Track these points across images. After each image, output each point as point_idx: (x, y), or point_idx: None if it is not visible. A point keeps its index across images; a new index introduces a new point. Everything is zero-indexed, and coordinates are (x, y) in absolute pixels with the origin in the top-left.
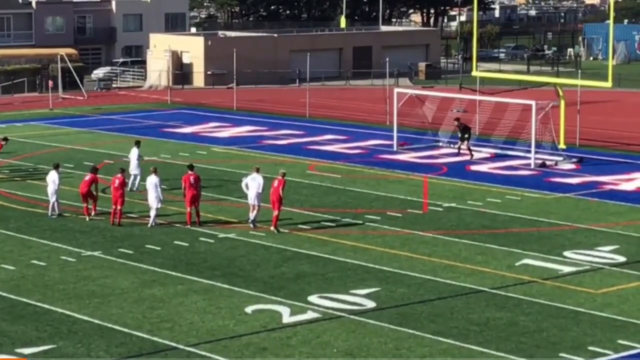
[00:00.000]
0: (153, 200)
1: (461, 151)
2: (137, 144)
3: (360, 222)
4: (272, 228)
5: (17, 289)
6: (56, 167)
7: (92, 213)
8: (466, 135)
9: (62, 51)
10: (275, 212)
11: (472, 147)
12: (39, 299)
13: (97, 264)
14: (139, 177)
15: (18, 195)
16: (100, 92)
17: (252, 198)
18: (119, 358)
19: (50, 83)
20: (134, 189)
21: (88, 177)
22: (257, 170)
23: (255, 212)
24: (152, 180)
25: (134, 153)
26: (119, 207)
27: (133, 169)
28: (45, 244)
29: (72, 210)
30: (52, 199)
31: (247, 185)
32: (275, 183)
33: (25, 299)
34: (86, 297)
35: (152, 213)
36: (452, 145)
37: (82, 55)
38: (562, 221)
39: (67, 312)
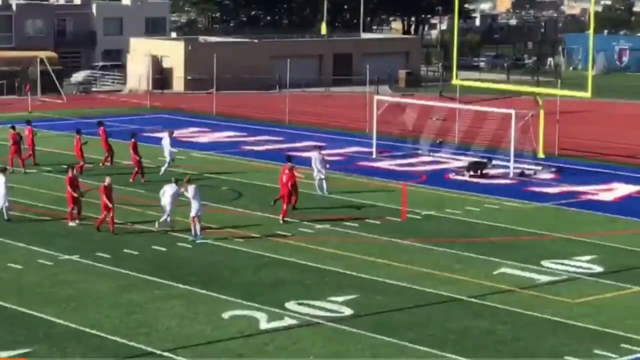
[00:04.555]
0: (168, 204)
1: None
2: (171, 133)
3: (339, 229)
4: (280, 218)
5: None
6: (2, 170)
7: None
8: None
9: (42, 54)
10: (285, 206)
11: (453, 157)
12: (15, 302)
13: (74, 268)
14: (166, 165)
15: None
16: (79, 95)
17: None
18: None
19: (27, 87)
20: (161, 173)
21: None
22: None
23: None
24: (172, 189)
25: (166, 141)
26: (110, 215)
27: (166, 155)
28: (22, 247)
29: (51, 215)
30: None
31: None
32: (284, 179)
33: (1, 302)
34: (63, 301)
35: (163, 217)
36: (431, 154)
37: (61, 59)
38: (540, 230)
39: (44, 316)
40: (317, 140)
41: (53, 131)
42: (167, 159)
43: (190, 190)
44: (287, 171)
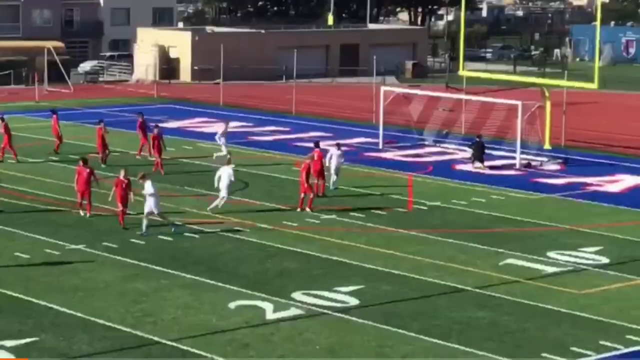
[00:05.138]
0: (224, 188)
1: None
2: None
3: (345, 219)
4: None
5: (0, 282)
6: None
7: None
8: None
9: (49, 44)
10: (311, 195)
11: (460, 148)
12: (22, 292)
13: (81, 258)
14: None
15: (2, 187)
16: (86, 85)
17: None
18: (101, 351)
19: (36, 76)
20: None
21: (86, 172)
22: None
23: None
24: (226, 170)
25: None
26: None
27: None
28: (29, 236)
29: (57, 204)
30: None
31: (219, 178)
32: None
33: (9, 292)
34: (69, 291)
35: (218, 200)
36: (437, 144)
37: (69, 49)
38: (546, 222)
39: (50, 305)
40: (323, 131)
41: (61, 121)
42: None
43: (146, 187)
44: (315, 157)
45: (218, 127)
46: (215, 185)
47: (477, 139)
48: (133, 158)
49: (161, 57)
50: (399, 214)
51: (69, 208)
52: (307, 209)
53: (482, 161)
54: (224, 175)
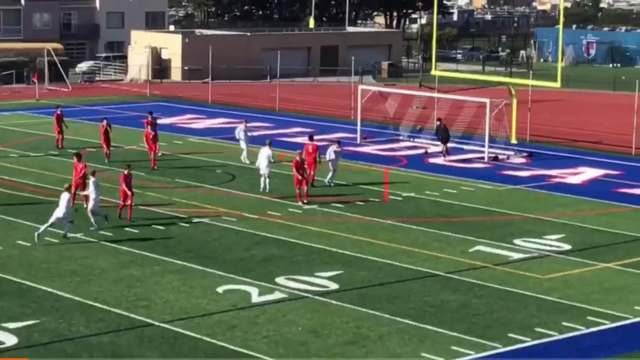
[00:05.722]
0: (265, 167)
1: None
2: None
3: (325, 209)
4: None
5: (3, 268)
6: None
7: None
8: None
9: (49, 46)
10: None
11: (430, 142)
12: (24, 277)
13: (79, 245)
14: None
15: (5, 179)
16: (83, 84)
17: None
18: (98, 332)
19: (35, 76)
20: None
21: (80, 166)
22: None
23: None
24: (265, 152)
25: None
26: (128, 202)
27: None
28: (31, 225)
29: (57, 195)
30: None
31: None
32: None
33: (11, 277)
34: (68, 276)
35: (262, 179)
36: (412, 139)
37: (67, 50)
38: (513, 211)
39: (50, 290)
40: (305, 126)
41: None
42: (244, 147)
43: (90, 184)
44: (310, 149)
45: (239, 125)
46: (256, 165)
47: (438, 123)
48: (131, 152)
49: (153, 58)
50: (375, 204)
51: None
52: (305, 201)
53: (446, 142)
54: (263, 156)
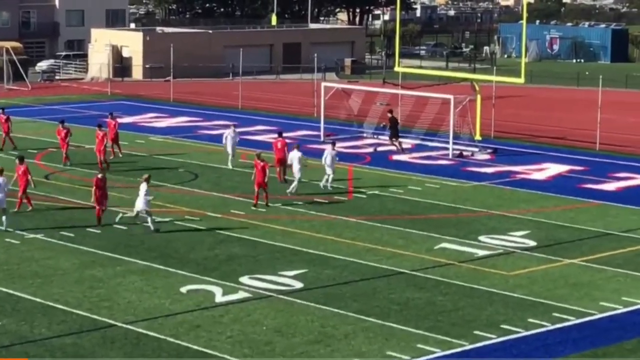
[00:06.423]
0: (297, 171)
1: (394, 144)
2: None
3: (289, 207)
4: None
5: None
6: None
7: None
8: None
9: (8, 44)
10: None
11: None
12: None
13: (39, 246)
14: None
15: None
16: (43, 83)
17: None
18: (60, 334)
19: None
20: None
21: (22, 169)
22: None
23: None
24: (296, 155)
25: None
26: (103, 208)
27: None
28: None
29: (13, 196)
30: None
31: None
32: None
33: None
34: (29, 277)
35: (294, 183)
36: (375, 136)
37: (26, 49)
38: (478, 208)
39: (11, 292)
40: (268, 125)
41: (18, 117)
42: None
43: (292, 154)
44: (279, 145)
45: (225, 132)
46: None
47: (390, 115)
48: (90, 152)
49: (114, 56)
50: (339, 202)
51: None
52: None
53: (397, 137)
54: (295, 159)
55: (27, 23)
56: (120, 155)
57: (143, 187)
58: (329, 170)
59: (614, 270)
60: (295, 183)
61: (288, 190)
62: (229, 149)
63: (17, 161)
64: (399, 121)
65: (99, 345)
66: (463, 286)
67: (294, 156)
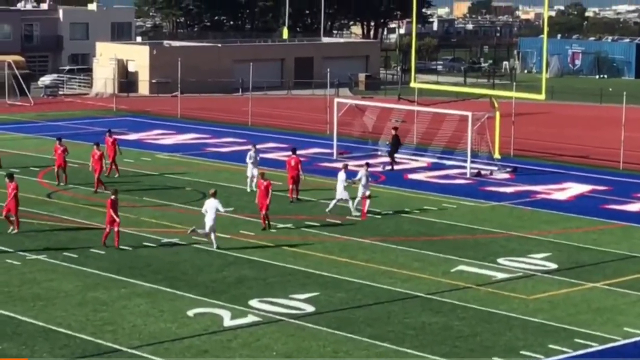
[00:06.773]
0: (341, 191)
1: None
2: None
3: (301, 228)
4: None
5: None
6: None
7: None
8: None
9: (10, 58)
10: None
11: (412, 158)
12: None
13: (41, 267)
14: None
15: None
16: (46, 98)
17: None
18: (63, 359)
19: None
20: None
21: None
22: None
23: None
24: (341, 177)
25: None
26: (115, 229)
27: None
28: None
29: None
30: None
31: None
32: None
33: None
34: (30, 300)
35: (334, 201)
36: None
37: (29, 63)
38: (497, 229)
39: (12, 315)
40: (279, 142)
41: (20, 134)
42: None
43: (339, 174)
44: (292, 163)
45: (248, 153)
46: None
47: (394, 132)
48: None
49: (120, 71)
50: (353, 222)
51: (31, 220)
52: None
53: (393, 155)
54: (340, 180)
55: (30, 36)
56: (117, 175)
57: (213, 203)
58: (365, 191)
59: (639, 295)
60: (335, 202)
61: (327, 210)
62: (250, 172)
63: (6, 179)
64: (401, 142)
65: None
66: (481, 310)
67: (339, 178)
